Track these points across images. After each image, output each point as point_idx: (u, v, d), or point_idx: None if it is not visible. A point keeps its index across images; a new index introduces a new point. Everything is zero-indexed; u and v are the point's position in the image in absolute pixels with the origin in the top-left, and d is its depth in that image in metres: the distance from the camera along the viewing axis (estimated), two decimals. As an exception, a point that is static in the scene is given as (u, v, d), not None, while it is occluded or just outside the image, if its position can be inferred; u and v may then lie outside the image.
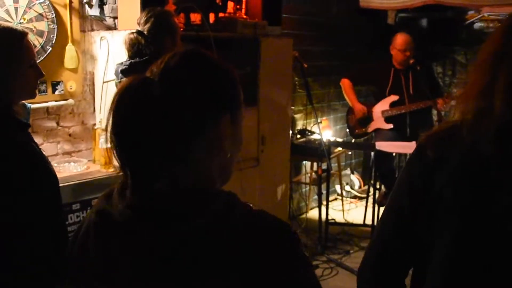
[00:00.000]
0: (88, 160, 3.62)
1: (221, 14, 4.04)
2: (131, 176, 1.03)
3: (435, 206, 1.21)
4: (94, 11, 3.59)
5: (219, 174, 1.08)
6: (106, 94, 3.56)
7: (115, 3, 3.68)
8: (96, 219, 1.06)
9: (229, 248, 0.95)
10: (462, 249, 1.19)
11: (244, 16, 4.25)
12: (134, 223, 0.99)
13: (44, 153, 1.82)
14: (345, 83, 5.37)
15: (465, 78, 1.26)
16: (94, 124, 3.67)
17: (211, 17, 3.96)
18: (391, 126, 5.15)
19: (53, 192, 1.72)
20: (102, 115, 3.60)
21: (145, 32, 2.74)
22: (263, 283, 0.95)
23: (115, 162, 3.31)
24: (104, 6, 3.63)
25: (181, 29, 3.50)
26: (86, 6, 3.56)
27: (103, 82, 3.56)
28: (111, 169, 3.39)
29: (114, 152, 1.04)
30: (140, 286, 0.97)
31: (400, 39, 5.09)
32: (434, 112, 5.23)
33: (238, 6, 4.23)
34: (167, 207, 0.99)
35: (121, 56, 3.02)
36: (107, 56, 3.49)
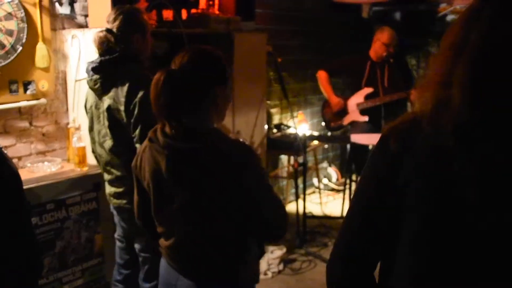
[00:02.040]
0: (63, 160, 3.61)
1: (193, 10, 4.03)
2: (169, 121, 1.83)
3: (401, 197, 1.21)
4: (65, 9, 3.58)
5: (216, 118, 1.94)
6: (79, 92, 3.54)
7: (86, 1, 3.65)
8: (148, 143, 1.94)
9: (214, 156, 1.82)
10: (427, 241, 1.19)
11: (217, 12, 4.25)
12: (169, 145, 1.83)
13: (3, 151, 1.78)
14: (322, 75, 5.37)
15: (419, 69, 1.25)
16: (68, 123, 3.65)
17: (184, 14, 3.95)
18: (366, 118, 5.18)
19: (11, 191, 1.68)
20: (75, 114, 3.59)
21: (114, 30, 2.72)
22: (236, 177, 1.82)
23: (89, 161, 3.32)
24: (74, 4, 3.61)
25: (154, 26, 3.50)
26: (57, 4, 3.54)
27: (76, 81, 3.54)
28: (85, 168, 3.38)
29: (156, 111, 1.84)
30: (175, 175, 1.85)
31: (387, 34, 5.09)
32: (409, 104, 5.27)
33: (210, 2, 4.23)
34: (185, 137, 1.82)
35: (93, 54, 3.00)
36: (78, 54, 3.48)
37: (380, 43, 5.11)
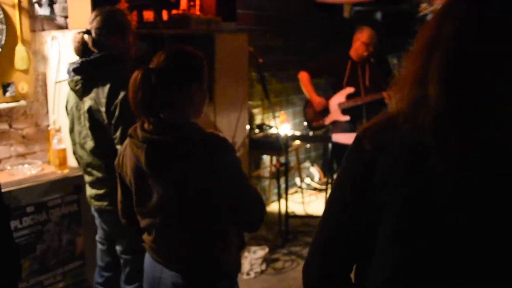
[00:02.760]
0: (43, 162, 3.58)
1: (174, 11, 4.02)
2: (147, 118, 1.92)
3: (377, 197, 1.20)
4: (44, 11, 3.55)
5: (192, 114, 2.01)
6: (59, 94, 3.52)
7: (66, 2, 3.63)
8: (129, 139, 2.01)
9: (190, 148, 1.91)
10: (403, 240, 1.19)
11: (198, 13, 4.24)
12: (147, 138, 1.91)
13: None
14: (303, 76, 5.39)
15: (401, 67, 1.25)
16: (48, 125, 3.63)
17: (165, 14, 3.94)
18: (348, 118, 5.21)
19: None
20: (55, 116, 3.57)
21: (92, 31, 2.71)
22: (211, 169, 1.89)
23: (70, 163, 3.30)
24: (54, 5, 3.58)
25: (134, 27, 3.48)
26: (36, 5, 3.51)
27: (56, 82, 3.52)
28: (66, 170, 3.36)
29: (134, 107, 1.92)
30: (154, 168, 1.92)
31: (367, 33, 5.13)
32: (390, 103, 5.30)
33: (191, 3, 4.23)
34: (162, 130, 1.91)
35: (73, 55, 2.99)
36: (58, 56, 3.45)
37: (360, 43, 5.15)
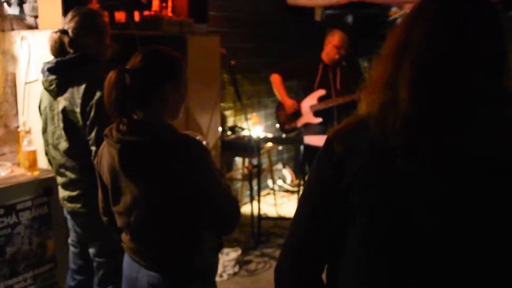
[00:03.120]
0: (12, 164, 3.51)
1: (146, 12, 3.99)
2: (120, 118, 1.91)
3: (347, 198, 1.21)
4: (13, 10, 3.49)
5: (168, 115, 2.01)
6: (29, 95, 3.47)
7: (35, 1, 3.58)
8: (105, 139, 2.00)
9: (163, 149, 1.90)
10: (373, 241, 1.20)
11: (170, 14, 4.22)
12: (121, 139, 1.91)
13: None
14: (275, 78, 5.41)
15: (371, 71, 1.27)
16: (18, 127, 3.57)
17: (136, 16, 3.91)
18: (319, 120, 5.24)
19: None
20: (25, 117, 3.51)
21: (69, 31, 2.69)
22: (182, 170, 1.89)
23: (40, 165, 3.26)
24: (23, 5, 3.53)
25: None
26: (5, 4, 3.45)
27: (26, 83, 3.46)
28: (36, 172, 3.31)
29: (108, 108, 1.91)
30: (127, 168, 1.93)
31: (338, 36, 5.17)
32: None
33: (164, 4, 4.20)
34: (135, 130, 1.90)
35: (44, 56, 2.96)
36: (28, 56, 3.40)
37: (331, 46, 5.18)
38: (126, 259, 2.18)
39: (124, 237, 2.14)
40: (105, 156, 2.05)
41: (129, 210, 2.01)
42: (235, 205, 2.10)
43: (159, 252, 2.04)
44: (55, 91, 2.68)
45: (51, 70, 2.67)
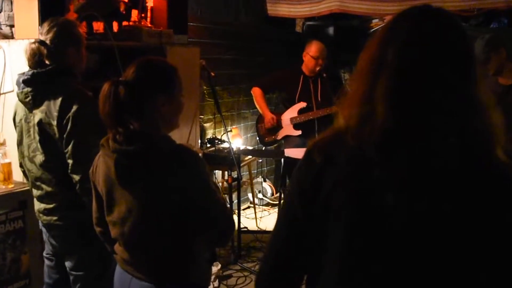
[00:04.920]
0: (-14, 176, 3.43)
1: (125, 23, 3.95)
2: (116, 129, 1.90)
3: (325, 210, 1.23)
4: (-11, 19, 3.43)
5: (164, 126, 2.02)
6: (4, 106, 3.38)
7: (11, 11, 3.51)
8: (101, 149, 2.01)
9: (159, 159, 1.92)
10: (350, 249, 1.22)
11: (149, 25, 4.18)
12: (117, 149, 1.92)
13: None
14: (256, 92, 5.39)
15: (347, 86, 1.31)
16: (-8, 138, 3.48)
17: (115, 26, 3.86)
18: (299, 132, 5.22)
19: None
20: (0, 128, 3.42)
21: (48, 42, 2.63)
22: (178, 180, 1.91)
23: (15, 177, 3.17)
24: (-1, 14, 3.46)
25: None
26: (-20, 14, 3.39)
27: (0, 94, 3.38)
28: (11, 185, 3.22)
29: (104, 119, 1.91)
30: (123, 177, 1.95)
31: (315, 47, 5.16)
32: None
33: (143, 15, 4.16)
34: (130, 140, 1.90)
35: (19, 66, 2.89)
36: (3, 66, 3.33)
37: (309, 57, 5.18)
38: (118, 270, 2.17)
39: (118, 248, 2.13)
40: (100, 166, 2.06)
41: (124, 220, 2.01)
42: (230, 216, 2.12)
43: (154, 262, 2.03)
44: (31, 103, 2.62)
45: (26, 82, 2.61)
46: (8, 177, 3.23)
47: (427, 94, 1.15)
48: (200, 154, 2.08)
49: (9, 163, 3.21)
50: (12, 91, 3.21)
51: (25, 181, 3.05)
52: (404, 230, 1.16)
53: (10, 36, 3.55)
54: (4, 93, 3.36)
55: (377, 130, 1.16)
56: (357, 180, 1.20)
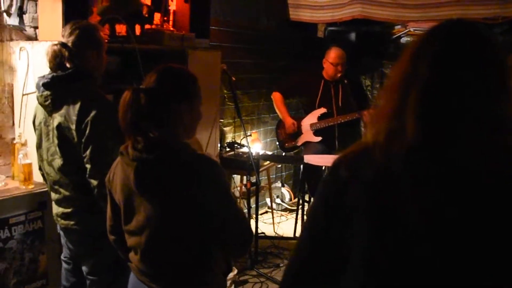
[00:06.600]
0: (7, 176, 3.46)
1: (147, 26, 3.95)
2: (135, 137, 1.90)
3: (349, 225, 1.22)
4: (13, 20, 3.45)
5: (183, 134, 2.01)
6: (26, 107, 3.41)
7: (36, 12, 3.54)
8: (120, 157, 2.01)
9: (179, 168, 1.91)
10: (373, 267, 1.20)
11: (171, 28, 4.19)
12: (138, 157, 1.90)
13: None
14: (276, 97, 5.38)
15: (376, 100, 1.30)
16: (13, 138, 3.51)
17: (137, 29, 3.86)
18: (319, 139, 5.19)
19: None
20: (21, 129, 3.45)
21: (69, 45, 2.63)
22: (197, 189, 1.88)
23: (35, 178, 3.19)
24: (23, 15, 3.48)
25: (106, 40, 3.41)
26: (5, 14, 3.42)
27: (23, 95, 3.41)
28: (31, 186, 3.24)
29: (123, 127, 1.91)
30: (142, 186, 1.92)
31: (333, 53, 5.14)
32: (363, 124, 5.30)
33: (165, 18, 4.17)
34: (151, 149, 1.89)
35: (42, 67, 2.90)
36: (27, 67, 3.35)
37: (328, 63, 5.16)
38: (133, 278, 2.15)
39: (133, 257, 2.11)
40: (118, 174, 2.04)
41: (141, 229, 2.00)
42: (248, 227, 2.08)
43: (171, 271, 2.02)
44: (50, 106, 2.63)
45: (46, 85, 2.62)
46: (28, 178, 3.25)
47: (460, 110, 1.14)
48: (217, 160, 2.07)
49: (30, 164, 3.23)
50: (35, 92, 3.23)
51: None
52: (434, 254, 1.13)
53: (34, 38, 3.58)
54: (27, 94, 3.38)
55: (406, 146, 1.15)
56: (383, 196, 1.19)
